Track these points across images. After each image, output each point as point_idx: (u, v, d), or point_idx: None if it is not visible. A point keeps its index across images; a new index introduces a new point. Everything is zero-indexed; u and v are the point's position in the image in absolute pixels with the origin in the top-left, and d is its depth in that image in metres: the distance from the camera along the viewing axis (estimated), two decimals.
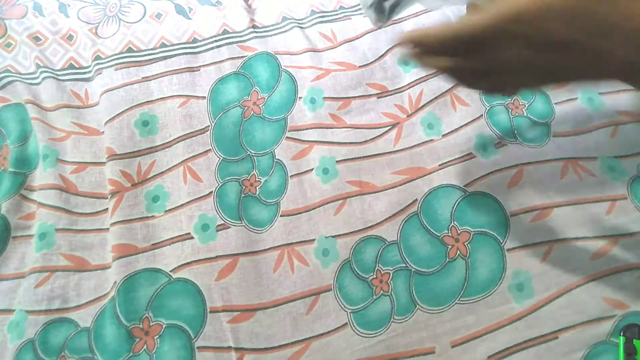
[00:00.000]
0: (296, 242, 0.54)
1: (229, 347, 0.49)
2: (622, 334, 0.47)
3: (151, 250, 0.53)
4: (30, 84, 0.63)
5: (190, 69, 0.64)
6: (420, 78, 0.63)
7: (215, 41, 0.66)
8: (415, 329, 0.49)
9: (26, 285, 0.51)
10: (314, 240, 0.54)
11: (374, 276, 0.52)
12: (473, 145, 0.58)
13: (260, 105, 0.61)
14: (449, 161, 0.57)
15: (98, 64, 0.64)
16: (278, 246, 0.53)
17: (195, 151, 0.58)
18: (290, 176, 0.57)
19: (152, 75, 0.63)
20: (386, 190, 0.56)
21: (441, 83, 0.62)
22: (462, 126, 0.60)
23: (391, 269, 0.52)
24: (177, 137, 0.59)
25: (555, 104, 0.61)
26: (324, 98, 0.61)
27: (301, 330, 0.49)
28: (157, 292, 0.51)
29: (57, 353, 0.48)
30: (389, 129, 0.60)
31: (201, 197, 0.56)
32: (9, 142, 0.59)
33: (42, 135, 0.58)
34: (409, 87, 0.63)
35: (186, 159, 0.58)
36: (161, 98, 0.61)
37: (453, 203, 0.54)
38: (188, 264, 0.52)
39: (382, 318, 0.50)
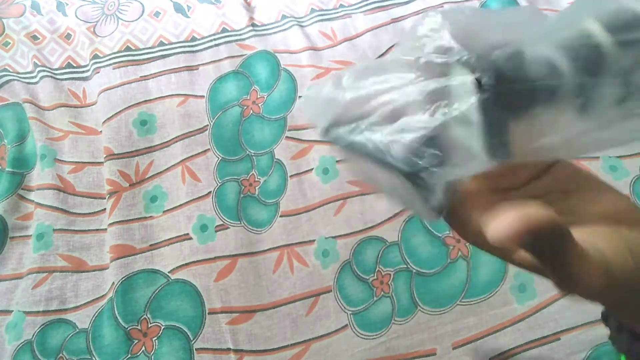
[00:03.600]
0: (296, 243, 0.53)
1: (228, 349, 0.48)
2: None
3: (149, 251, 0.53)
4: (28, 83, 0.62)
5: (189, 68, 0.63)
6: None
7: (214, 39, 0.65)
8: (416, 330, 0.49)
9: (24, 286, 0.51)
10: (313, 240, 0.53)
11: (375, 277, 0.51)
12: None
13: (259, 104, 0.61)
14: None
15: (96, 62, 0.64)
16: (277, 247, 0.53)
17: (194, 151, 0.58)
18: (290, 176, 0.56)
19: (151, 74, 0.62)
20: None
21: None
22: None
23: (392, 269, 0.52)
24: (176, 137, 0.59)
25: None
26: None
27: (301, 332, 0.49)
28: (156, 293, 0.50)
29: (55, 354, 0.48)
30: None
31: (200, 197, 0.55)
32: (6, 141, 0.58)
33: (39, 134, 0.58)
34: None
35: (185, 159, 0.58)
36: (159, 97, 0.61)
37: None
38: (187, 264, 0.52)
39: (382, 319, 0.49)
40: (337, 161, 0.57)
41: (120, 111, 0.59)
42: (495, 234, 0.17)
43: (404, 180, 0.19)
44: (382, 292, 0.51)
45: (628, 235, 0.20)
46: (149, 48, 0.65)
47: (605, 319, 0.28)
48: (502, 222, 0.17)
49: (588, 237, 0.19)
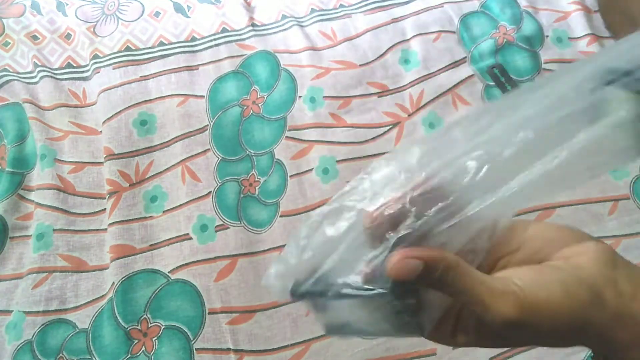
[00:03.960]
0: None
1: (228, 349, 0.48)
2: None
3: (149, 251, 0.53)
4: (28, 83, 0.62)
5: (189, 68, 0.63)
6: (421, 77, 0.62)
7: (214, 40, 0.65)
8: None
9: (24, 286, 0.51)
10: None
11: None
12: None
13: (259, 105, 0.61)
14: None
15: (96, 62, 0.64)
16: (277, 247, 0.53)
17: (194, 151, 0.58)
18: (290, 176, 0.56)
19: (151, 74, 0.62)
20: None
21: (442, 82, 0.62)
22: None
23: None
24: (176, 137, 0.59)
25: None
26: (323, 97, 0.61)
27: (301, 332, 0.49)
28: (156, 293, 0.50)
29: (55, 354, 0.48)
30: (390, 129, 0.59)
31: (200, 197, 0.55)
32: (6, 141, 0.58)
33: (39, 134, 0.58)
34: (410, 86, 0.62)
35: (184, 159, 0.58)
36: (159, 97, 0.61)
37: None
38: (187, 264, 0.52)
39: None
40: (337, 161, 0.57)
41: (120, 111, 0.59)
42: (392, 270, 0.22)
43: (392, 305, 0.23)
44: None
45: (570, 273, 0.22)
46: (149, 48, 0.65)
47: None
48: (404, 260, 0.21)
49: (511, 274, 0.22)
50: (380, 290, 0.23)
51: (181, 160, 0.57)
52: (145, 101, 0.61)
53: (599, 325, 0.22)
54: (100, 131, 0.59)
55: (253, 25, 0.67)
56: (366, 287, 0.23)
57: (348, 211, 0.24)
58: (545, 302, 0.21)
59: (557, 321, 0.22)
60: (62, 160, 0.57)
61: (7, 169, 0.56)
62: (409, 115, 0.60)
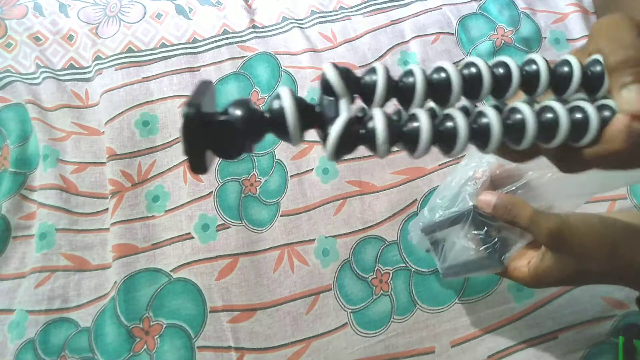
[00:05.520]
0: (296, 242, 0.54)
1: (229, 347, 0.49)
2: (621, 334, 0.47)
3: (151, 250, 0.53)
4: (31, 84, 0.63)
5: (191, 69, 0.64)
6: None
7: (216, 41, 0.66)
8: (415, 328, 0.49)
9: (26, 285, 0.51)
10: (313, 240, 0.54)
11: (374, 276, 0.52)
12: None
13: (260, 106, 0.61)
14: (449, 161, 0.57)
15: (98, 64, 0.64)
16: (278, 246, 0.53)
17: None
18: (290, 176, 0.57)
19: (153, 76, 0.63)
20: (386, 190, 0.56)
21: None
22: None
23: (391, 268, 0.52)
24: (178, 137, 0.59)
25: None
26: None
27: (301, 330, 0.50)
28: (158, 292, 0.51)
29: (57, 353, 0.48)
30: None
31: (201, 197, 0.56)
32: (9, 142, 0.59)
33: (42, 135, 0.58)
34: None
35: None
36: (161, 98, 0.61)
37: None
38: (188, 263, 0.52)
39: (382, 318, 0.50)
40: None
41: (122, 112, 0.60)
42: (481, 204, 0.37)
43: (476, 230, 0.38)
44: (381, 291, 0.51)
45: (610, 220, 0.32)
46: (151, 49, 0.65)
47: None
48: (485, 197, 0.36)
49: (569, 216, 0.32)
50: (466, 208, 0.38)
51: (183, 161, 0.58)
52: (148, 102, 0.61)
53: (631, 250, 0.29)
54: (103, 132, 0.60)
55: (254, 27, 0.67)
56: (456, 209, 0.39)
57: (461, 175, 0.41)
58: (582, 222, 0.30)
59: (589, 238, 0.30)
60: (65, 161, 0.58)
61: (10, 169, 0.57)
62: None
